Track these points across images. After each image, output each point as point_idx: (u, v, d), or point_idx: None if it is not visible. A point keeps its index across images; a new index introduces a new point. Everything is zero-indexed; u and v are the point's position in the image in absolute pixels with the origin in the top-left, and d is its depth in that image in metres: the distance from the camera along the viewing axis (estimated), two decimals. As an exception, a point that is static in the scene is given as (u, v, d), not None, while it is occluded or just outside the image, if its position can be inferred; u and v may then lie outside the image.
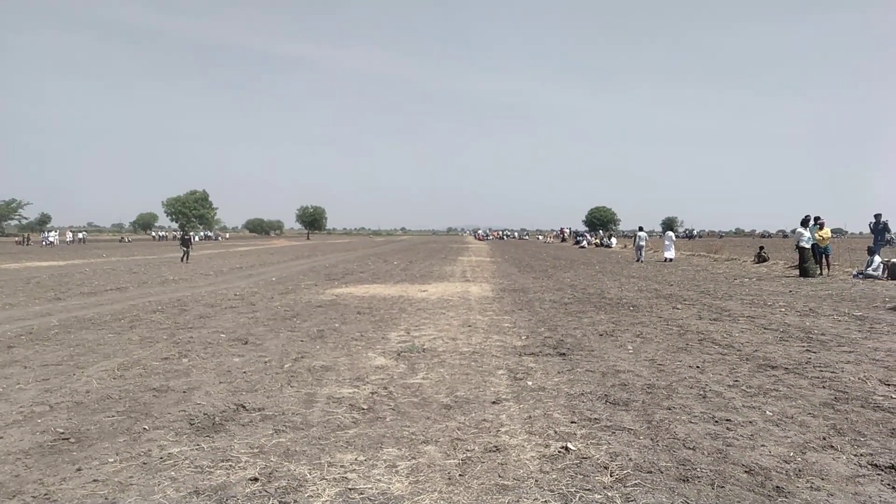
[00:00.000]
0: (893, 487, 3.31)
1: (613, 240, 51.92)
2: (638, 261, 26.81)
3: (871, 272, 15.97)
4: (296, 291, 14.17)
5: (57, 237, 64.92)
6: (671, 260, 26.38)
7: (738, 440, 4.05)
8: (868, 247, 17.71)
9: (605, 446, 3.95)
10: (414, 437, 4.18)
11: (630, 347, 7.27)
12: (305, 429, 4.35)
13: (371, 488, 3.35)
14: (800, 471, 3.53)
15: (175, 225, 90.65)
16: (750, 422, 4.43)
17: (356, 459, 3.76)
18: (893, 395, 5.04)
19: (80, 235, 75.25)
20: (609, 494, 3.24)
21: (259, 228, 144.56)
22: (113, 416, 4.66)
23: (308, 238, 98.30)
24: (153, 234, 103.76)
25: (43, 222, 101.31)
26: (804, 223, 17.57)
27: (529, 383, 5.60)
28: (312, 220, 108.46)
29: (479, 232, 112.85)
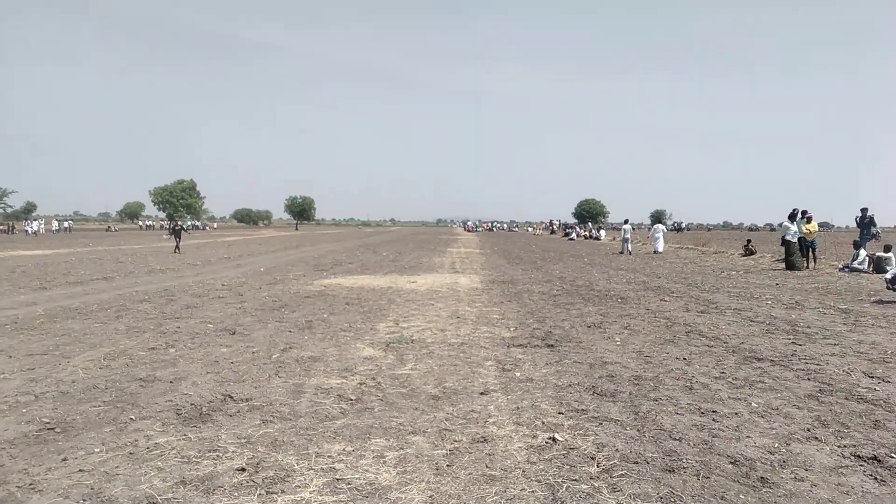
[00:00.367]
0: (876, 478, 3.36)
1: (602, 232, 52.12)
2: (622, 253, 26.96)
3: (856, 266, 16.15)
4: (284, 282, 14.10)
5: (42, 226, 64.09)
6: (660, 252, 26.55)
7: (723, 431, 4.09)
8: (854, 241, 17.92)
9: (592, 437, 3.97)
10: (402, 427, 4.18)
11: (618, 339, 7.31)
12: (293, 419, 4.34)
13: (359, 478, 3.35)
14: (784, 462, 3.57)
15: (162, 214, 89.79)
16: (735, 413, 4.47)
17: (344, 450, 3.76)
18: (877, 388, 5.11)
19: (66, 224, 74.41)
20: (596, 485, 3.26)
21: (247, 218, 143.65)
22: (99, 406, 4.62)
23: (297, 228, 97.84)
24: (140, 223, 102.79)
25: (28, 211, 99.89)
26: (791, 217, 17.71)
27: (517, 374, 5.62)
28: (301, 211, 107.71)
29: (469, 223, 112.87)
